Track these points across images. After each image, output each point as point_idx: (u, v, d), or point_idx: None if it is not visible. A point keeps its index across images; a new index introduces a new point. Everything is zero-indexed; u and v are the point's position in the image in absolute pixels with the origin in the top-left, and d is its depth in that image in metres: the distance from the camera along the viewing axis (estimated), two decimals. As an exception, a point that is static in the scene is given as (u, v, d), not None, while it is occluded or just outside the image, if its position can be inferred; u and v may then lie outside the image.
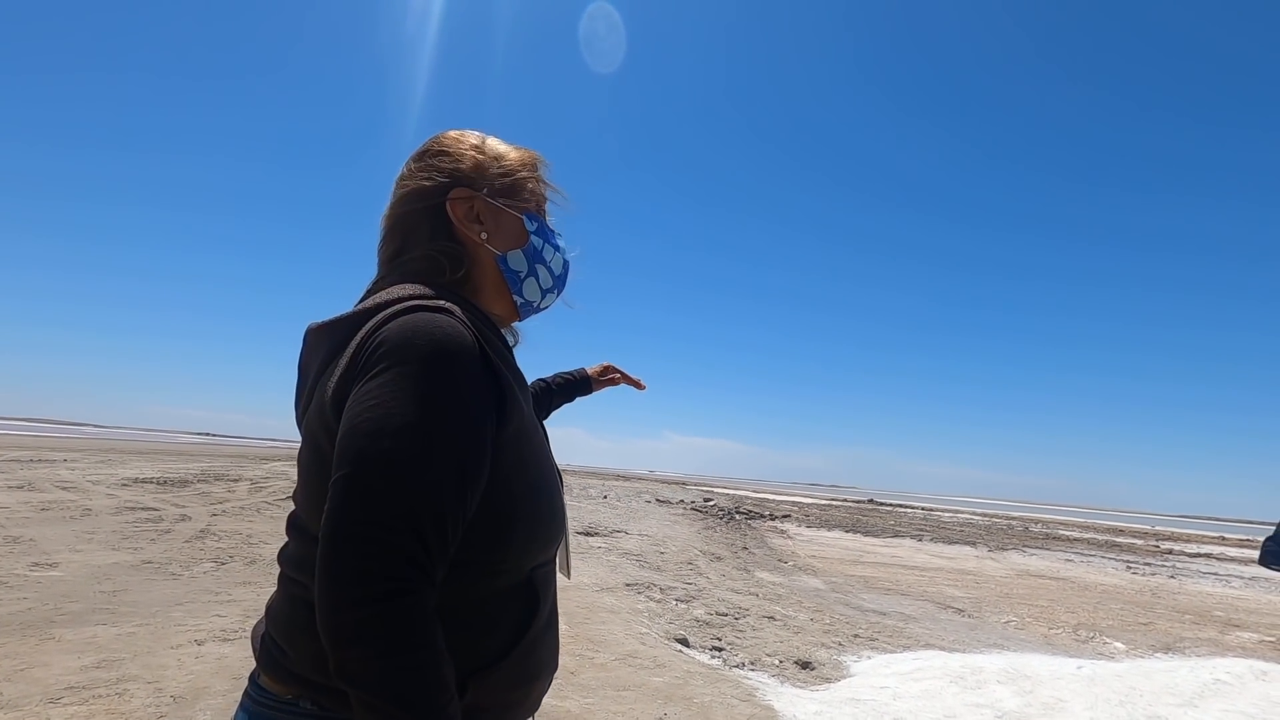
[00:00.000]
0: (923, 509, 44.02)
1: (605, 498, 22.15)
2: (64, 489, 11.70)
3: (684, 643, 5.33)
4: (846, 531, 19.41)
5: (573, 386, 1.55)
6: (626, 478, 56.07)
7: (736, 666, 4.92)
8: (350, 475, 0.69)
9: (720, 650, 5.29)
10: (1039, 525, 34.05)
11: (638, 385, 1.61)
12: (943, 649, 6.07)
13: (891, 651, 5.82)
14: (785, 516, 23.15)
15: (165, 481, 14.28)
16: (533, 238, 0.99)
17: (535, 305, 1.02)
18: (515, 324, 1.06)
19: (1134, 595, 11.04)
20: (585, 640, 4.91)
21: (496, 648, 0.82)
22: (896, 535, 19.49)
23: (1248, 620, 9.29)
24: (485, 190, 0.96)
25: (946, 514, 38.86)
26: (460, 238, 0.94)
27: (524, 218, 0.98)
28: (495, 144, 1.01)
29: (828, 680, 4.85)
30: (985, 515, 42.34)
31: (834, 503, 42.48)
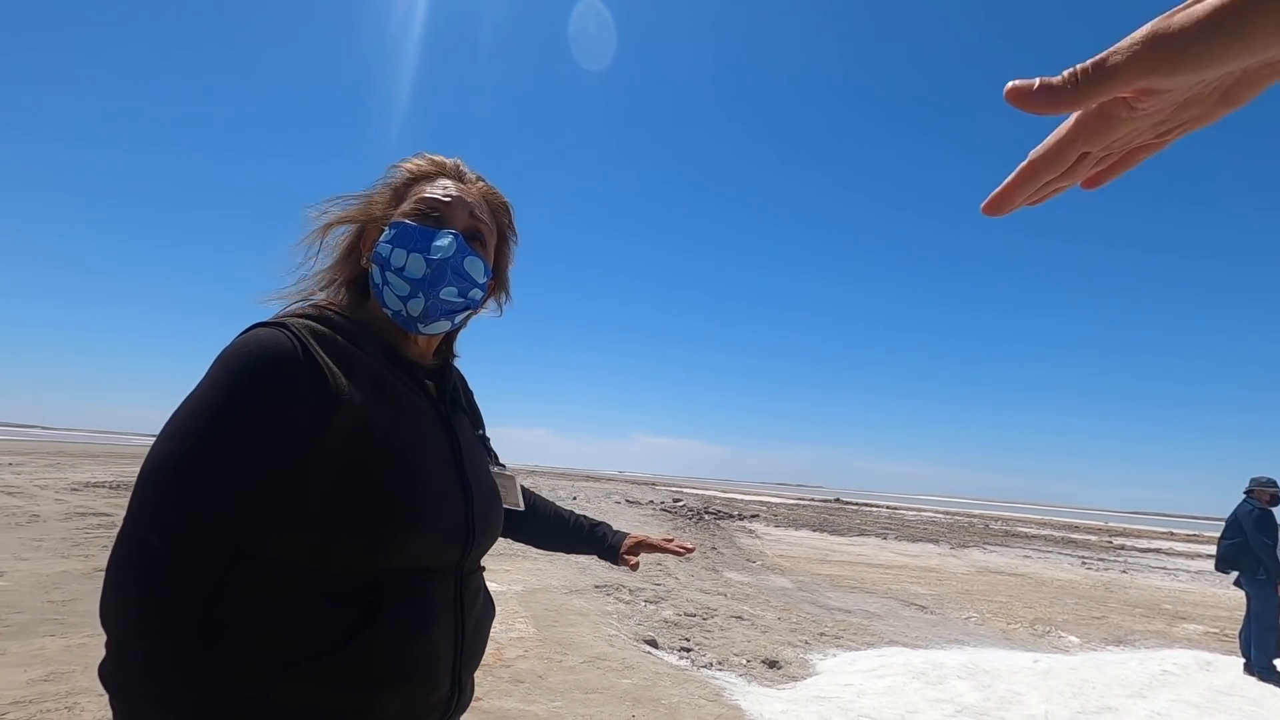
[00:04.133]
0: (888, 508, 44.85)
1: (575, 499, 22.09)
2: (9, 494, 11.24)
3: (653, 644, 5.35)
4: (814, 531, 19.67)
5: (600, 547, 1.40)
6: (596, 479, 56.01)
7: (704, 667, 4.95)
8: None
9: (688, 651, 5.32)
10: (999, 523, 34.96)
11: (678, 552, 1.39)
12: (906, 645, 6.20)
13: (856, 649, 5.92)
14: (753, 516, 23.36)
15: (118, 485, 13.81)
16: (379, 247, 0.97)
17: (404, 313, 0.96)
18: (434, 331, 1.02)
19: (1088, 590, 11.42)
20: (554, 643, 4.90)
21: (314, 648, 0.80)
22: (862, 534, 19.83)
23: (1193, 613, 9.68)
24: (379, 220, 1.03)
25: (911, 512, 39.65)
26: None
27: (387, 228, 0.98)
28: (411, 165, 1.06)
29: (794, 679, 4.92)
30: (948, 513, 43.31)
31: (801, 502, 43.01)
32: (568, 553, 1.43)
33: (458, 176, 1.06)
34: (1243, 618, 6.19)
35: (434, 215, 0.99)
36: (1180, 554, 21.57)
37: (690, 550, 1.39)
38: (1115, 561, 17.29)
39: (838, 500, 52.97)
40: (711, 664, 5.05)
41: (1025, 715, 4.42)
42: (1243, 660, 6.11)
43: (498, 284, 1.13)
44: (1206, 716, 4.70)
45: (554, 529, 1.40)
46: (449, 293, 0.97)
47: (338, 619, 0.82)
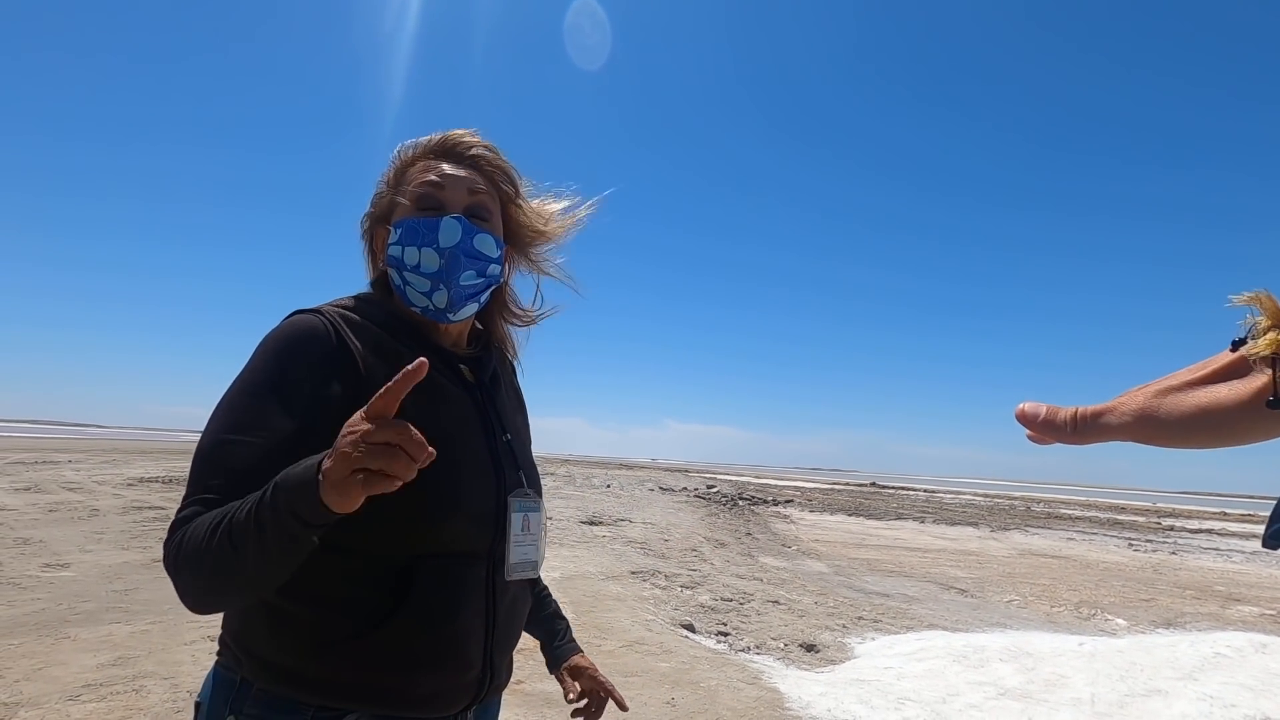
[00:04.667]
0: (925, 491, 44.20)
1: (609, 487, 22.26)
2: (70, 490, 11.77)
3: (690, 628, 5.40)
4: (849, 515, 19.52)
5: (549, 636, 1.26)
6: (629, 466, 56.31)
7: (742, 650, 4.98)
8: None
9: (726, 635, 5.36)
10: (1041, 505, 34.21)
11: (618, 701, 1.24)
12: (945, 629, 6.14)
13: (895, 632, 5.89)
14: (788, 501, 23.27)
15: (171, 480, 14.36)
16: (390, 249, 0.99)
17: (432, 307, 0.98)
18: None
19: (1135, 572, 11.13)
20: (592, 628, 4.97)
21: (348, 628, 0.85)
22: (899, 518, 19.61)
23: (1248, 594, 9.38)
24: (383, 219, 1.04)
25: (949, 495, 39.03)
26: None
27: (391, 229, 1.00)
28: (398, 155, 1.05)
29: (832, 662, 4.92)
30: (987, 496, 42.51)
31: (836, 487, 42.67)
32: None
33: (446, 153, 1.03)
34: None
35: (432, 203, 0.99)
36: (1234, 534, 20.85)
37: (624, 708, 1.25)
38: (1164, 543, 16.79)
39: (873, 484, 52.40)
40: (749, 648, 5.07)
41: (1070, 698, 4.36)
42: (1301, 642, 5.91)
43: (516, 249, 1.11)
44: (1262, 700, 4.57)
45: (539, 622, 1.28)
46: (468, 277, 0.98)
47: (374, 600, 0.85)
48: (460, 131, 1.05)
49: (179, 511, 0.80)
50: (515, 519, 0.98)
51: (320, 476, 0.66)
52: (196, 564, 0.75)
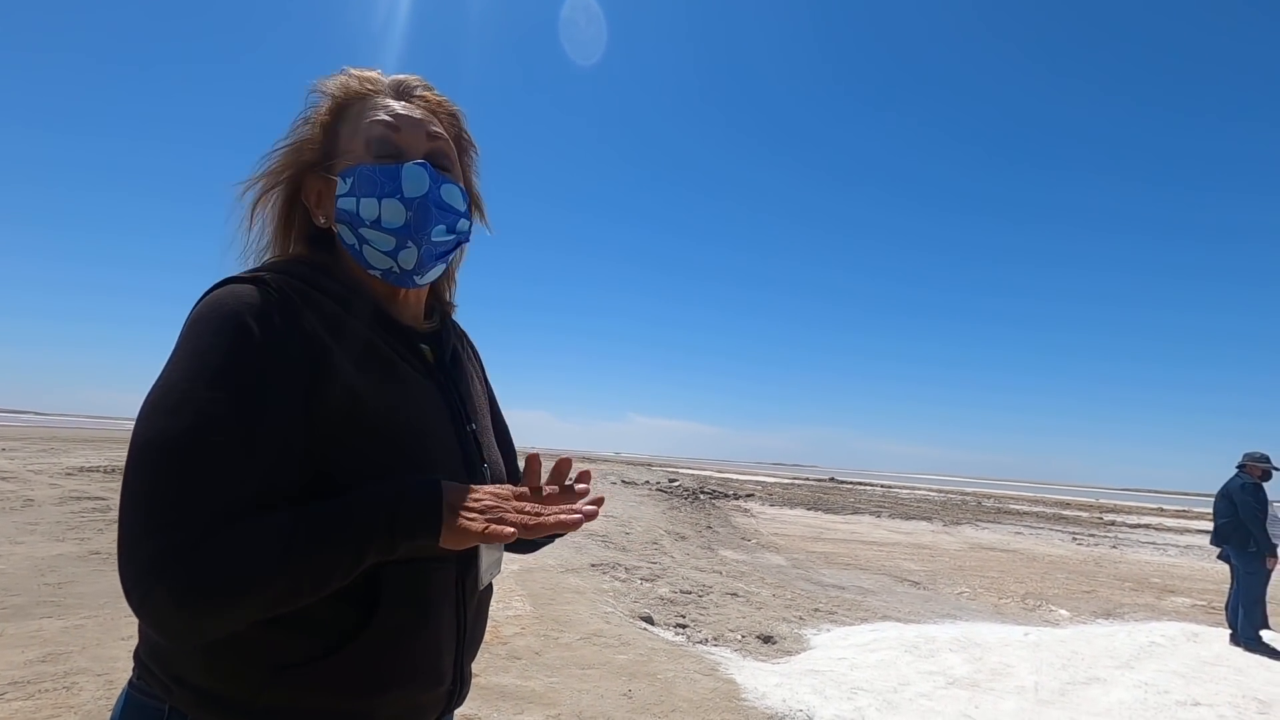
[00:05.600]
0: (882, 486, 45.21)
1: (571, 480, 22.14)
2: (3, 479, 11.21)
3: (648, 621, 5.40)
4: (808, 509, 19.84)
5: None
6: (593, 460, 56.22)
7: (700, 642, 5.01)
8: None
9: (684, 627, 5.38)
10: (991, 500, 35.27)
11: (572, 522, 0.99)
12: (898, 620, 6.28)
13: (850, 624, 5.99)
14: (749, 496, 23.51)
15: (112, 470, 13.78)
16: (340, 203, 0.83)
17: (396, 269, 0.83)
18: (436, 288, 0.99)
19: (1078, 565, 11.56)
20: (550, 621, 4.93)
21: (311, 647, 0.72)
22: (856, 512, 19.99)
23: (1181, 586, 9.82)
24: (317, 165, 0.87)
25: (904, 491, 39.98)
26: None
27: (339, 179, 0.83)
28: (335, 88, 0.87)
29: (788, 653, 4.97)
30: (941, 491, 43.67)
31: (796, 481, 43.30)
32: None
33: (400, 93, 0.89)
34: (1229, 591, 6.28)
35: (390, 148, 0.84)
36: (1170, 529, 21.83)
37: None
38: (1106, 537, 17.49)
39: (832, 479, 53.37)
40: (707, 639, 5.10)
41: (1015, 686, 4.49)
42: (1229, 631, 6.20)
43: (473, 203, 0.97)
44: (1193, 686, 4.78)
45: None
46: (439, 232, 0.84)
47: (334, 617, 0.73)
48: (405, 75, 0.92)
49: (171, 530, 0.62)
50: None
51: (442, 526, 0.68)
52: (264, 586, 0.63)
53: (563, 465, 0.84)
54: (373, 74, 0.89)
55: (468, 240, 0.92)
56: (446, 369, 0.91)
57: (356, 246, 0.84)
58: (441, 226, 0.85)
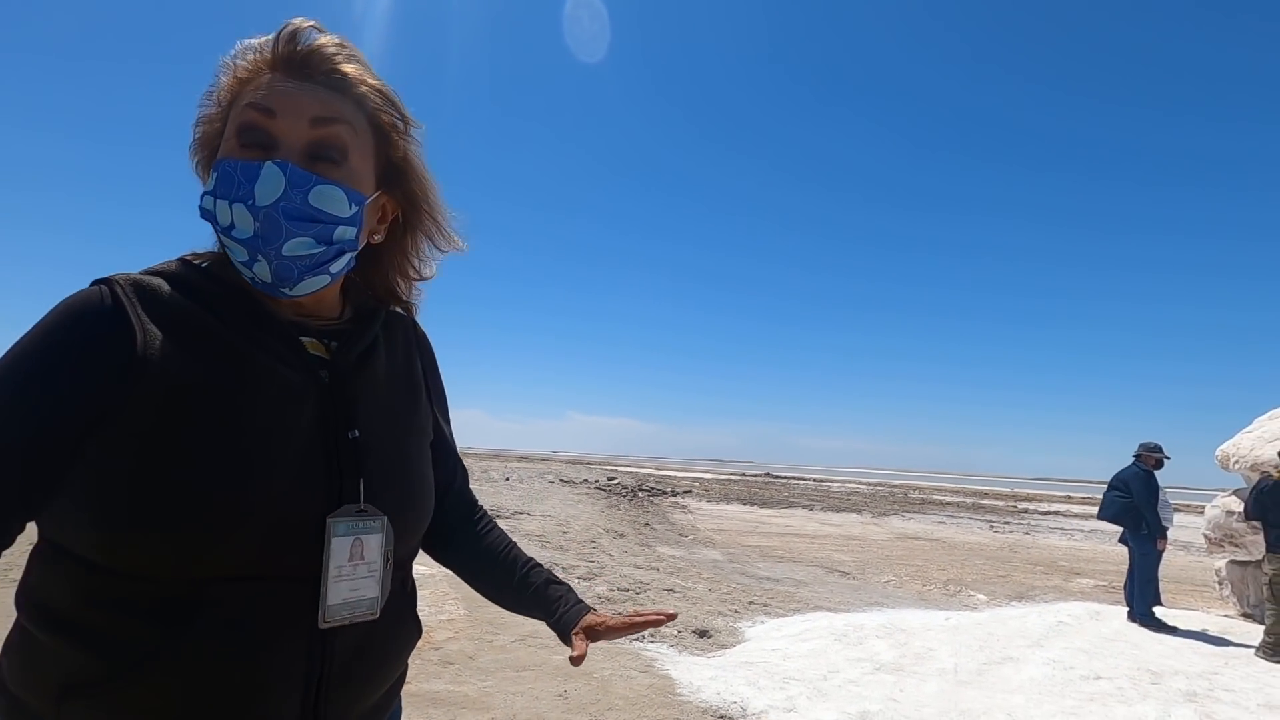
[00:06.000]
0: (815, 480, 46.59)
1: (508, 480, 21.87)
2: None
3: (585, 620, 5.38)
4: (744, 504, 20.24)
5: (549, 613, 1.01)
6: (530, 459, 55.62)
7: (636, 640, 5.02)
8: None
9: (621, 625, 5.39)
10: (917, 492, 36.88)
11: (658, 621, 0.93)
12: (829, 610, 6.48)
13: (783, 615, 6.14)
14: (686, 492, 23.78)
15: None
16: (202, 200, 0.73)
17: (256, 280, 0.72)
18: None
19: (995, 551, 12.23)
20: (484, 624, 4.85)
21: (99, 666, 0.65)
22: (790, 506, 20.54)
23: (1086, 568, 10.54)
24: (210, 150, 0.78)
25: (836, 484, 41.34)
26: None
27: (213, 171, 0.75)
28: (228, 65, 0.77)
29: (724, 646, 5.06)
30: (870, 484, 45.34)
31: (733, 477, 44.09)
32: (508, 608, 1.04)
33: (291, 66, 0.74)
34: (1127, 571, 6.77)
35: (259, 138, 0.71)
36: (1076, 515, 23.40)
37: (672, 616, 0.96)
38: (1020, 524, 18.58)
39: (768, 474, 54.60)
40: (643, 636, 5.12)
41: (937, 669, 4.71)
42: (1126, 609, 6.69)
43: (407, 201, 0.84)
44: (1095, 661, 5.13)
45: (495, 569, 1.01)
46: (298, 245, 0.71)
47: (136, 633, 0.65)
48: (302, 22, 0.75)
49: None
50: (338, 544, 0.71)
51: None
52: None
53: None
54: (266, 39, 0.75)
55: (353, 250, 0.77)
56: (340, 369, 0.77)
57: (226, 249, 0.74)
58: (303, 240, 0.71)
